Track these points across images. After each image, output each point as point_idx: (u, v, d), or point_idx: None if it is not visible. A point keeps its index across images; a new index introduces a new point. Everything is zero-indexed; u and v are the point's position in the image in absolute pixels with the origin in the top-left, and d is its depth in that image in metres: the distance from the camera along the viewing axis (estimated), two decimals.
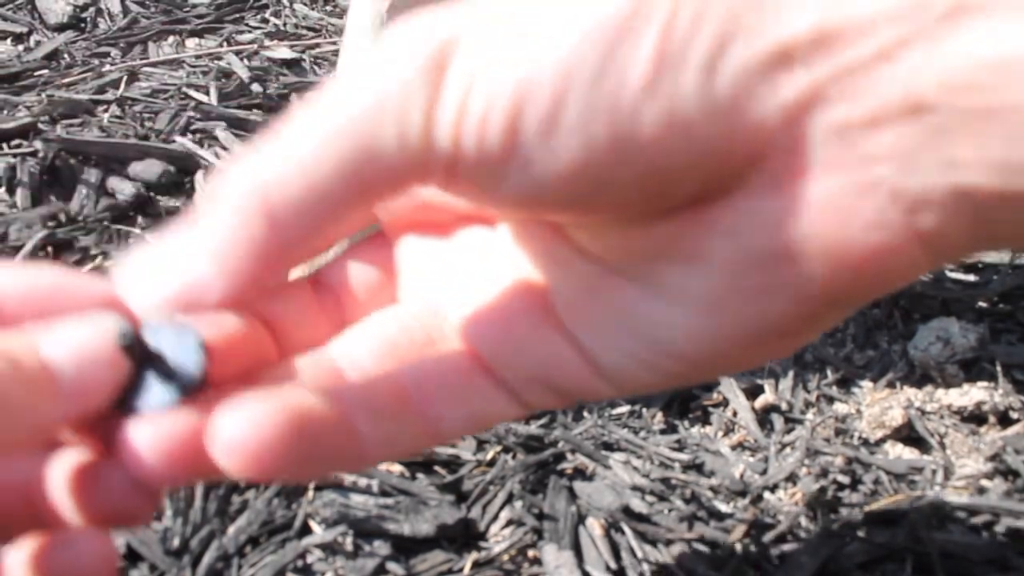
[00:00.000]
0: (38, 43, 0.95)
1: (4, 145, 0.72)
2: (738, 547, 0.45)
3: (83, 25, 1.00)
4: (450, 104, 0.22)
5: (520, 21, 0.23)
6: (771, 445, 0.53)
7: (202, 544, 0.44)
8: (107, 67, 0.90)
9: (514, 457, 0.50)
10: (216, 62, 0.94)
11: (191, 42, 1.00)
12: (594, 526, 0.46)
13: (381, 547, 0.44)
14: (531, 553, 0.44)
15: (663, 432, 0.54)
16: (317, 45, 1.01)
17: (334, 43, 1.01)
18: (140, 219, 0.67)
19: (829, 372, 0.59)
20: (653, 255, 0.25)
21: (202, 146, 0.78)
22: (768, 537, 0.46)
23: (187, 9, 1.06)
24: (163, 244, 0.24)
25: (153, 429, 0.23)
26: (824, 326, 0.26)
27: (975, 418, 0.56)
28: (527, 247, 0.28)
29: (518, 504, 0.47)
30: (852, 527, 0.47)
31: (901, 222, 0.22)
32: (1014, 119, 0.20)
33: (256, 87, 0.89)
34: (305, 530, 0.44)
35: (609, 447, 0.52)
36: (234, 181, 0.23)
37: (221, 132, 0.80)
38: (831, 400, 0.57)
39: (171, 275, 0.24)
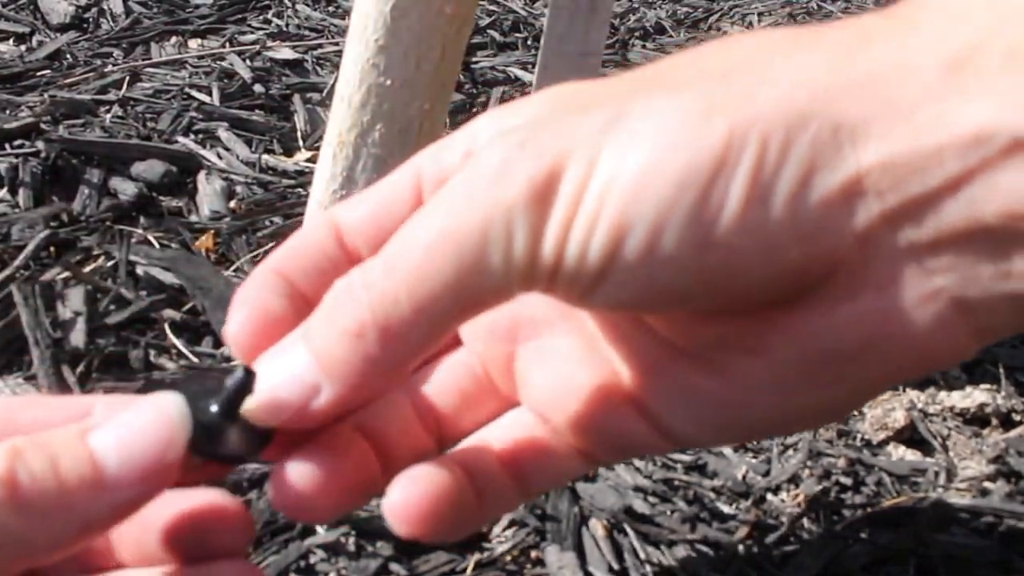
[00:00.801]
0: (40, 43, 0.95)
1: (7, 145, 0.72)
2: (741, 548, 0.45)
3: (85, 25, 1.00)
4: (553, 232, 0.25)
5: (622, 146, 0.24)
6: (774, 446, 0.53)
7: None
8: (109, 67, 0.90)
9: None
10: (218, 63, 0.94)
11: (193, 42, 1.00)
12: (597, 527, 0.46)
13: (384, 547, 0.43)
14: (534, 554, 0.44)
15: None
16: (319, 46, 1.01)
17: (336, 44, 1.01)
18: (142, 219, 0.67)
19: None
20: (721, 345, 0.27)
21: (204, 146, 0.78)
22: (771, 538, 0.46)
23: (189, 9, 1.06)
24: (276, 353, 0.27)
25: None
26: (876, 397, 0.29)
27: (978, 420, 0.56)
28: (600, 327, 0.31)
29: (520, 505, 0.47)
30: (855, 529, 0.47)
31: (958, 323, 0.24)
32: None
33: (258, 88, 0.89)
34: (308, 530, 0.44)
35: None
36: (346, 299, 0.26)
37: (223, 132, 0.80)
38: None
39: (283, 383, 0.26)
